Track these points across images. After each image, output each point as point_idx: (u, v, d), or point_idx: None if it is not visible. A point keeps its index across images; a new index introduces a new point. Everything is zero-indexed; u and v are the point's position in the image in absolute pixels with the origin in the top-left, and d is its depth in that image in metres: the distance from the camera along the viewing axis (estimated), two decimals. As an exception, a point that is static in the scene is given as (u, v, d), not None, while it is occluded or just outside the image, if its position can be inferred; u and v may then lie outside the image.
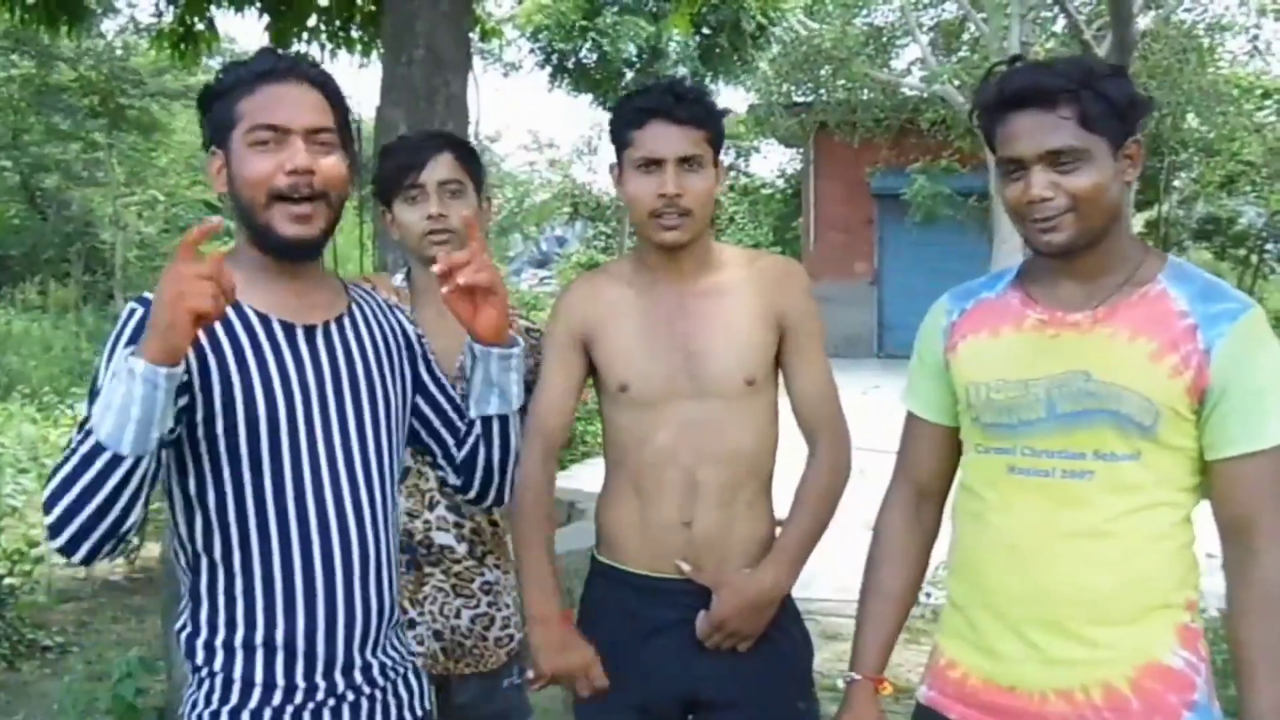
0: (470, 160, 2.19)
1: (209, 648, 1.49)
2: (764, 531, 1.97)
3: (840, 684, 1.81)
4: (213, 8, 5.76)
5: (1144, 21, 11.73)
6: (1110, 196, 1.52)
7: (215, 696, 1.49)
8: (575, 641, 1.96)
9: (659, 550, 1.94)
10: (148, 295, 1.45)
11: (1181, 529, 1.57)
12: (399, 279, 2.25)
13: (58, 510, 1.33)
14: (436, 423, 1.69)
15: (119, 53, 16.00)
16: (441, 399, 1.70)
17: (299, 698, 1.49)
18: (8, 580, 4.70)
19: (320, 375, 1.53)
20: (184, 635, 1.52)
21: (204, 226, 1.29)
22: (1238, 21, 14.77)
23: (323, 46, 5.84)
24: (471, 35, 4.92)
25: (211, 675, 1.49)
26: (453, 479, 1.73)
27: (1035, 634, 1.57)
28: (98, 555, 1.37)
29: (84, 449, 1.31)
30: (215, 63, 7.40)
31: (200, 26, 5.82)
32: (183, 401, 1.41)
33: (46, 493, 1.35)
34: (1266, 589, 1.50)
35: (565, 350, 1.99)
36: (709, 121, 1.92)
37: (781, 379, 2.01)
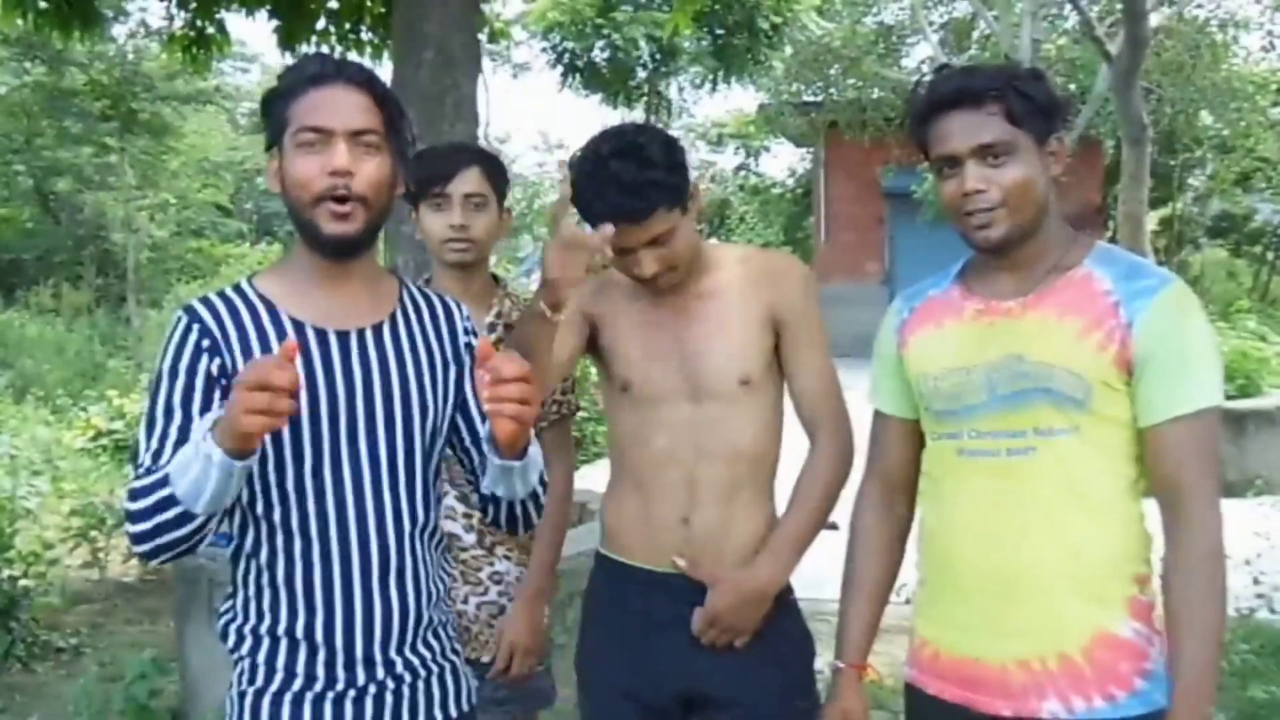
0: (496, 174, 2.29)
1: (239, 633, 1.59)
2: (763, 529, 1.97)
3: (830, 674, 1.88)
4: (223, 11, 5.78)
5: (1157, 18, 11.67)
6: (1038, 190, 1.63)
7: (244, 678, 1.59)
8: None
9: (659, 546, 1.95)
10: (193, 303, 1.56)
11: (1126, 501, 1.63)
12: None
13: (137, 531, 1.44)
14: (465, 443, 1.69)
15: (130, 57, 16.06)
16: (470, 427, 1.68)
17: (319, 686, 1.56)
18: (22, 582, 4.72)
19: (350, 381, 1.56)
20: (223, 619, 1.62)
21: (286, 350, 1.35)
22: (1252, 17, 14.69)
23: (332, 49, 5.85)
24: (480, 36, 4.92)
25: (241, 659, 1.59)
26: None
27: (994, 607, 1.65)
28: (175, 560, 1.51)
29: (162, 493, 1.41)
30: (226, 66, 7.43)
31: (211, 30, 5.84)
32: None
33: (129, 508, 1.45)
34: (1193, 549, 1.56)
35: (568, 323, 1.96)
36: (656, 193, 1.84)
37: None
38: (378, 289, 1.64)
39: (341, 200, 1.51)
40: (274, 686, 1.56)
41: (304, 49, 5.83)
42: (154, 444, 1.48)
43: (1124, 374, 1.58)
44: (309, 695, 1.56)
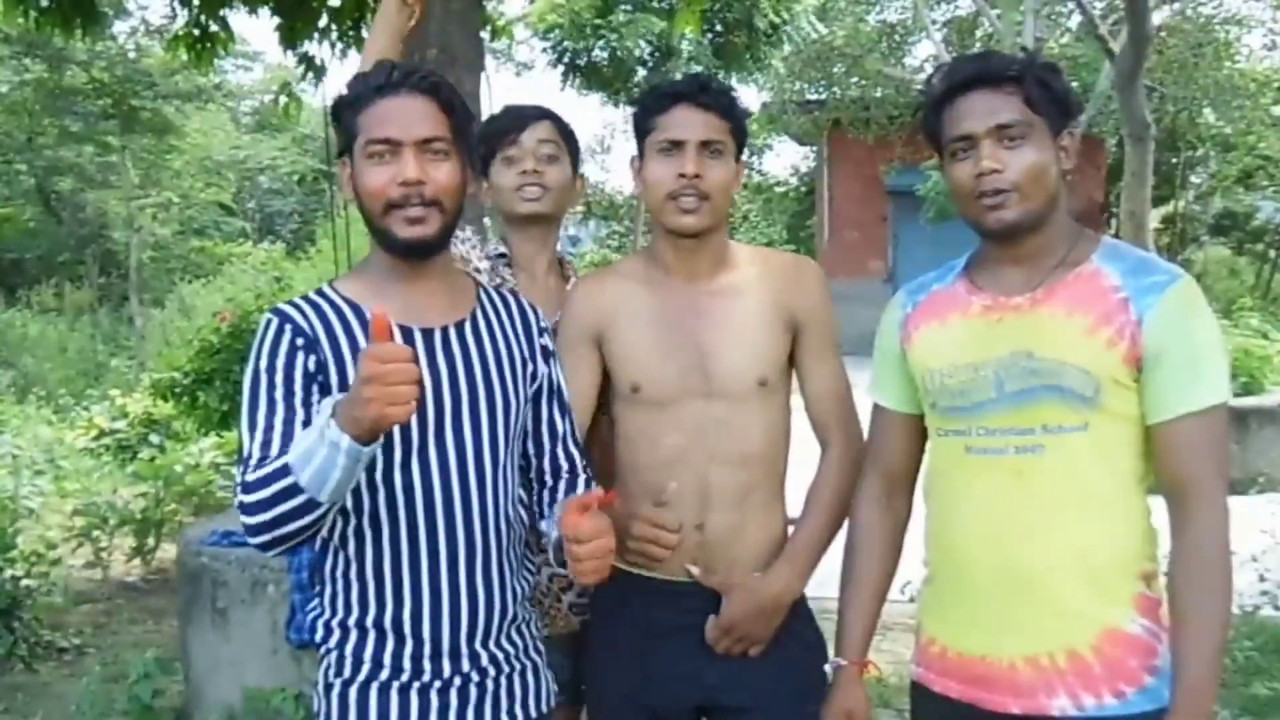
0: (567, 133, 2.30)
1: (326, 626, 1.64)
2: (776, 533, 1.95)
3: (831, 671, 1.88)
4: (226, 9, 5.76)
5: (1160, 16, 11.65)
6: (1051, 178, 1.63)
7: (332, 670, 1.64)
8: None
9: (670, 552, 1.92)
10: (281, 306, 1.60)
11: (1133, 498, 1.63)
12: (493, 247, 2.29)
13: (257, 522, 1.46)
14: (527, 448, 1.76)
15: (131, 55, 16.05)
16: (535, 430, 1.76)
17: (405, 677, 1.60)
18: (25, 582, 4.71)
19: (436, 377, 1.61)
20: (310, 615, 1.67)
21: (379, 321, 1.37)
22: (1255, 15, 14.68)
23: (334, 46, 5.84)
24: (482, 35, 4.92)
25: (329, 651, 1.64)
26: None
27: (1003, 605, 1.64)
28: (291, 551, 1.55)
29: (283, 483, 1.42)
30: (228, 64, 7.43)
31: (215, 28, 5.83)
32: (315, 406, 1.54)
33: (247, 500, 1.47)
34: (1199, 546, 1.56)
35: (577, 352, 1.96)
36: (732, 113, 1.91)
37: (795, 378, 1.99)
38: (455, 287, 1.69)
39: (416, 206, 1.56)
40: (362, 677, 1.61)
41: (306, 47, 5.83)
42: (260, 438, 1.51)
43: (1133, 370, 1.58)
44: (395, 685, 1.60)
